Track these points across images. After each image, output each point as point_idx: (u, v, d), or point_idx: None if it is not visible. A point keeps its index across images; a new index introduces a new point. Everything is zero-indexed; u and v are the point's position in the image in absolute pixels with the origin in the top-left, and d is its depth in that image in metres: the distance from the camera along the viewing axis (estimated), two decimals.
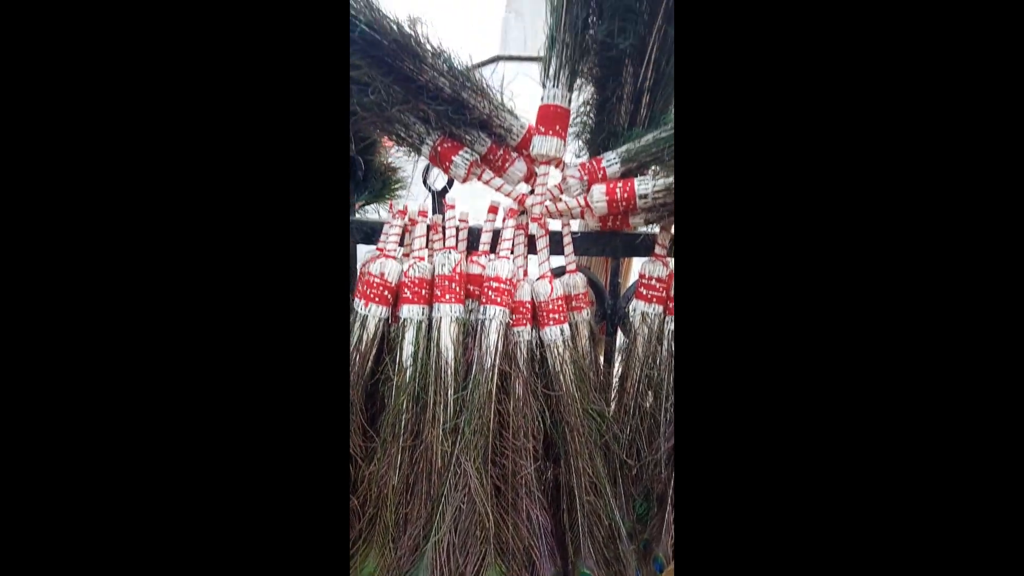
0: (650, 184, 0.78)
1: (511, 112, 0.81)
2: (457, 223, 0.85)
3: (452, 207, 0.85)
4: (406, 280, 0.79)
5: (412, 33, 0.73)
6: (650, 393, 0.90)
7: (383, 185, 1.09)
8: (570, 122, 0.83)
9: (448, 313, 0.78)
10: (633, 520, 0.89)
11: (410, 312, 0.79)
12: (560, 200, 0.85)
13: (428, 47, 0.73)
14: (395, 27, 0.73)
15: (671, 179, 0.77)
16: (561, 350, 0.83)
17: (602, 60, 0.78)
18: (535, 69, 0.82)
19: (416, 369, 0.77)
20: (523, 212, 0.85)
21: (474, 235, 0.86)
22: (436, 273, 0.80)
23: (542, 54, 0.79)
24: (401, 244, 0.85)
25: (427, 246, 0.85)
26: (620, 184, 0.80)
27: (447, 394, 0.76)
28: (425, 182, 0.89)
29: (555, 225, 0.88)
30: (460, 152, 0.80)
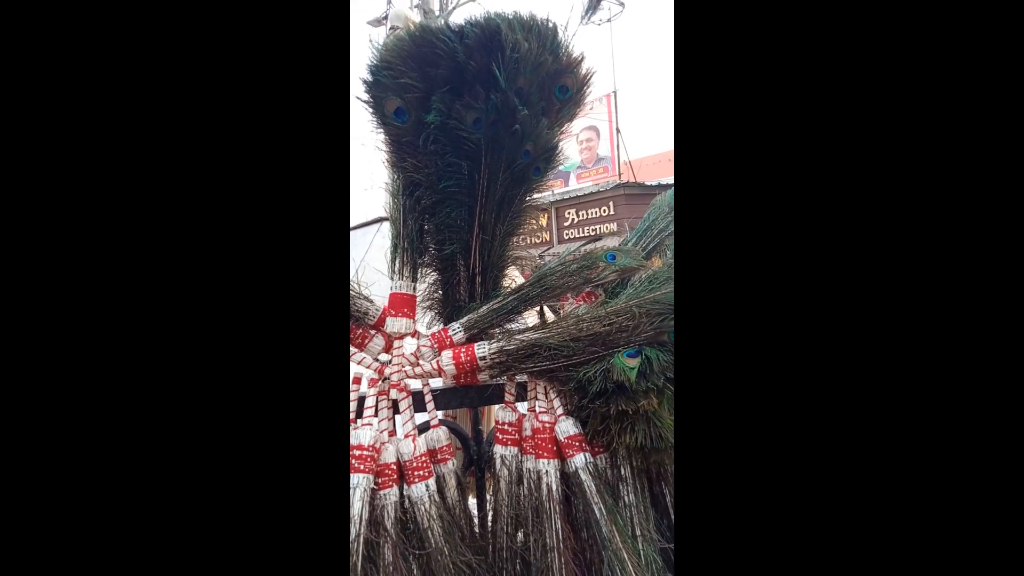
0: (486, 348, 0.96)
1: (368, 299, 0.97)
2: None
3: None
4: None
5: None
6: (520, 533, 0.97)
7: None
8: (419, 300, 1.01)
9: None
10: None
11: None
12: (418, 365, 0.99)
13: None
14: None
15: (503, 343, 0.96)
16: (428, 506, 0.89)
17: (439, 256, 1.00)
18: None
19: None
20: (384, 379, 0.97)
21: None
22: None
23: None
24: None
25: None
26: (464, 349, 0.97)
27: None
28: None
29: (417, 385, 1.01)
30: None
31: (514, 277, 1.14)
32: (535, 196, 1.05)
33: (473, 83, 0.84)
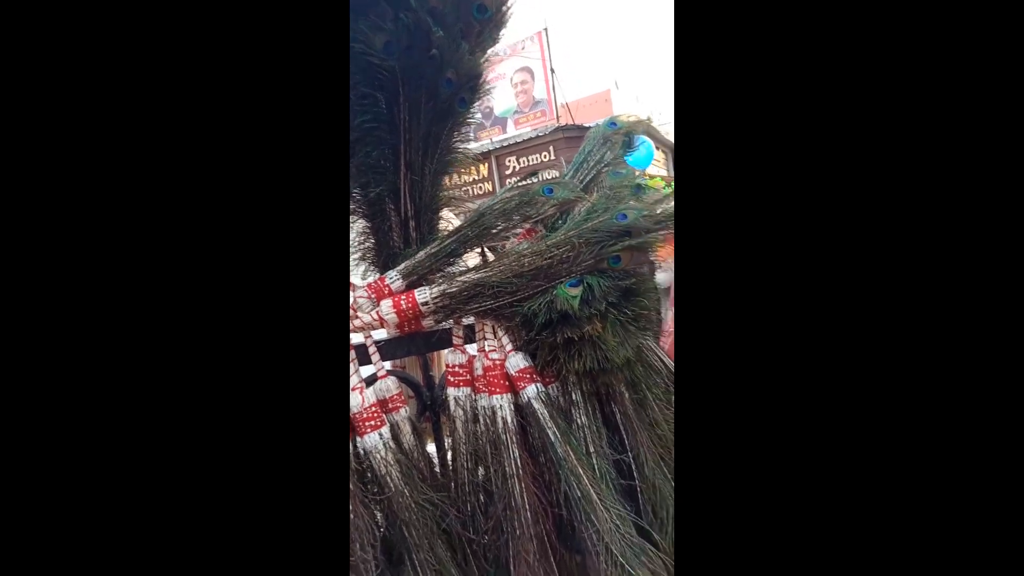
0: (428, 293, 0.93)
1: None
2: None
3: None
4: None
5: None
6: (480, 468, 1.00)
7: None
8: (351, 251, 0.96)
9: None
10: None
11: None
12: (356, 318, 0.95)
13: None
14: None
15: (445, 286, 0.94)
16: (384, 453, 0.89)
17: (365, 200, 0.94)
18: None
19: None
20: None
21: None
22: None
23: None
24: None
25: None
26: (404, 296, 0.94)
27: None
28: None
29: (359, 338, 0.97)
30: None
31: (450, 219, 1.10)
32: (465, 132, 1.00)
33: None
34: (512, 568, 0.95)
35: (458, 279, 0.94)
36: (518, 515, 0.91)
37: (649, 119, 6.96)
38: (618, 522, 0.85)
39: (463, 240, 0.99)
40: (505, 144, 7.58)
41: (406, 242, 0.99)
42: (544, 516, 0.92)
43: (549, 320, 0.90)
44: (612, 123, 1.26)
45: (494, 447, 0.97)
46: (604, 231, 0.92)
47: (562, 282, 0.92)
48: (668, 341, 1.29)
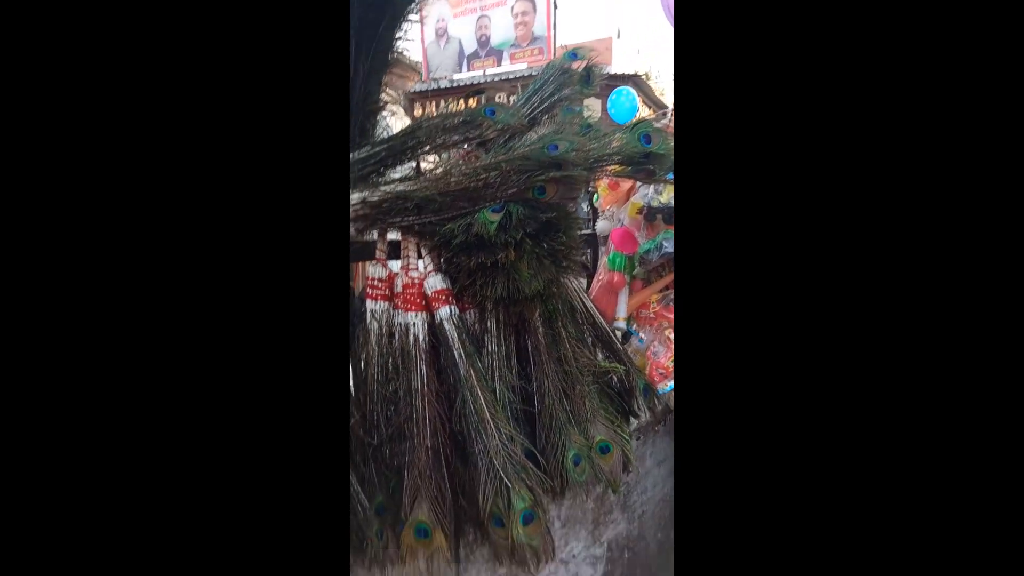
0: (354, 196, 0.90)
1: None
2: None
3: None
4: None
5: None
6: (391, 383, 1.02)
7: None
8: None
9: None
10: (388, 493, 1.00)
11: None
12: None
13: None
14: None
15: (366, 193, 0.91)
16: None
17: None
18: None
19: None
20: None
21: None
22: None
23: None
24: None
25: None
26: None
27: None
28: None
29: None
30: None
31: (388, 126, 1.05)
32: (405, 29, 0.93)
33: None
34: (405, 473, 1.00)
35: (381, 188, 0.91)
36: (417, 426, 0.95)
37: (647, 75, 6.71)
38: (506, 441, 0.89)
39: (395, 151, 0.95)
40: (499, 78, 7.19)
41: None
42: (442, 430, 0.96)
43: (465, 242, 0.89)
44: (573, 54, 1.20)
45: (403, 362, 0.99)
46: (534, 160, 0.90)
47: (486, 206, 0.90)
48: (597, 287, 1.31)
